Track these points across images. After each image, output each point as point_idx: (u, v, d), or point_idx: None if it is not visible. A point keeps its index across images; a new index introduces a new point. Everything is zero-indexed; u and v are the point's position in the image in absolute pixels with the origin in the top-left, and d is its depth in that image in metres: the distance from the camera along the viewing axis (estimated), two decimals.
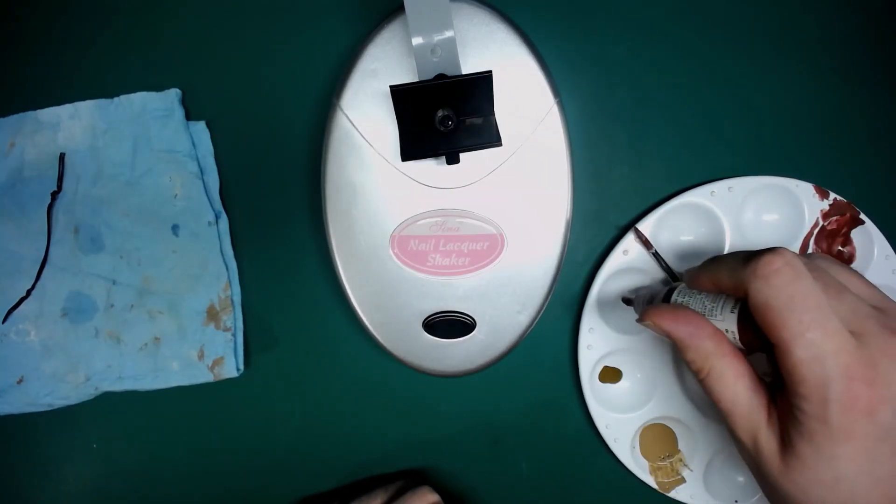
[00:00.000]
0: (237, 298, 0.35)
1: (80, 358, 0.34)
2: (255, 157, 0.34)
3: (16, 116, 0.33)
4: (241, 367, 0.35)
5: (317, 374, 0.36)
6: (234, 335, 0.34)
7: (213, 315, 0.34)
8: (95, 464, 0.36)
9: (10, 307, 0.33)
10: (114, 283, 0.34)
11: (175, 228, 0.34)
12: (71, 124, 0.33)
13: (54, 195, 0.33)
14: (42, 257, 0.33)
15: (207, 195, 0.33)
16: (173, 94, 0.33)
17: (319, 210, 0.30)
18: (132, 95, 0.33)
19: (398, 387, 0.36)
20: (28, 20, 0.33)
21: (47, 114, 0.33)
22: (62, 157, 0.33)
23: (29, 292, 0.33)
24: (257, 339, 0.35)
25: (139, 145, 0.33)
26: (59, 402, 0.34)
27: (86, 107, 0.33)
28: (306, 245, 0.34)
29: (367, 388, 0.36)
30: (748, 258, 0.24)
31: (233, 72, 0.33)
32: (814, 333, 0.22)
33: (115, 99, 0.33)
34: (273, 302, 0.35)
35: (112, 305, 0.34)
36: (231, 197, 0.34)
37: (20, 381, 0.34)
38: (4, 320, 0.33)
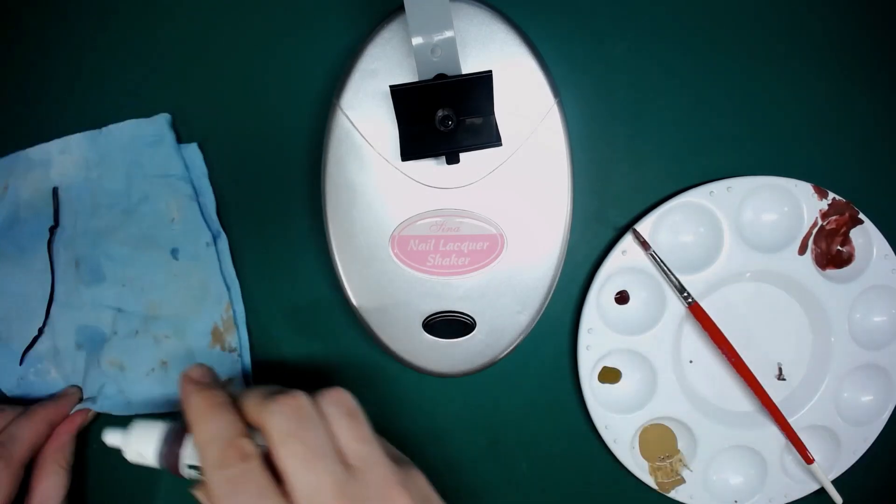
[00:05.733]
0: (241, 318, 0.34)
1: (95, 387, 0.34)
2: (254, 158, 0.34)
3: (7, 158, 0.33)
4: None
5: (317, 374, 0.35)
6: (239, 355, 0.34)
7: (217, 337, 0.34)
8: (95, 463, 0.36)
9: (24, 348, 0.33)
10: (119, 311, 0.33)
11: (174, 252, 0.33)
12: (62, 159, 0.33)
13: (52, 230, 0.33)
14: (49, 294, 0.33)
15: (204, 216, 0.33)
16: (162, 118, 0.32)
17: (319, 210, 0.30)
18: (121, 124, 0.32)
19: (398, 387, 0.36)
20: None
21: (38, 151, 0.33)
22: (55, 190, 0.33)
23: (41, 330, 0.33)
24: (257, 338, 0.35)
25: (132, 173, 0.33)
26: None
27: (76, 140, 0.33)
28: (306, 245, 0.34)
29: (367, 388, 0.36)
30: (269, 395, 0.26)
31: (231, 72, 0.33)
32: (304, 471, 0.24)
33: (104, 129, 0.33)
34: (272, 303, 0.35)
35: (115, 333, 0.33)
36: (231, 199, 0.34)
37: None
38: (21, 362, 0.33)
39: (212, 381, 0.29)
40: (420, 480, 0.27)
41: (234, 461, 0.24)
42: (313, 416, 0.25)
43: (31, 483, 0.32)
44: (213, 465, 0.24)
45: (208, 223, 0.33)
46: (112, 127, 0.33)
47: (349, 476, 0.25)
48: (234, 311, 0.34)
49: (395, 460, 0.27)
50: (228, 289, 0.34)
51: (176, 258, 0.33)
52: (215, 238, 0.33)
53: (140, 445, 0.27)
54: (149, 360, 0.34)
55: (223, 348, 0.34)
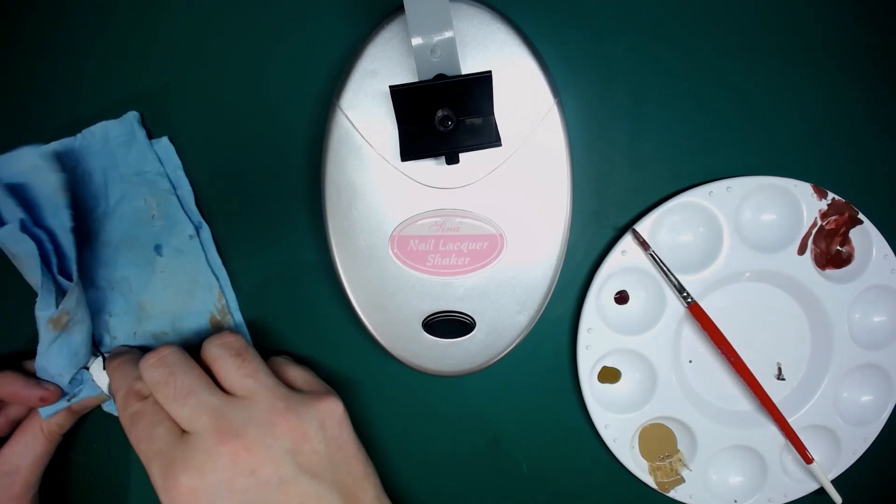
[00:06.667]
0: (233, 304, 0.34)
1: (104, 384, 0.33)
2: (254, 158, 0.34)
3: None
4: None
5: (316, 374, 0.35)
6: None
7: (215, 325, 0.34)
8: (96, 462, 0.36)
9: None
10: (110, 315, 0.33)
11: (158, 248, 0.33)
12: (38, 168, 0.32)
13: (34, 239, 0.32)
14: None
15: (184, 209, 0.33)
16: (131, 116, 0.32)
17: (319, 210, 0.31)
18: (92, 128, 0.32)
19: (398, 387, 0.36)
20: None
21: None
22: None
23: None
24: (255, 338, 0.35)
25: (109, 175, 0.33)
26: None
27: (51, 148, 0.32)
28: (306, 245, 0.34)
29: (367, 388, 0.36)
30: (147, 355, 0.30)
31: (230, 72, 0.33)
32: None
33: (78, 135, 0.32)
34: (273, 303, 0.35)
35: (115, 338, 0.33)
36: (229, 203, 0.34)
37: None
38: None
39: (127, 349, 0.33)
40: (324, 408, 0.30)
41: (132, 402, 0.29)
42: (179, 361, 0.29)
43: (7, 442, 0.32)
44: (119, 409, 0.30)
45: (189, 215, 0.33)
46: (85, 132, 0.32)
47: (230, 403, 0.28)
48: (226, 299, 0.34)
49: (315, 389, 0.32)
50: (217, 277, 0.34)
51: (160, 254, 0.33)
52: (198, 229, 0.33)
53: (101, 374, 0.32)
54: None
55: None
